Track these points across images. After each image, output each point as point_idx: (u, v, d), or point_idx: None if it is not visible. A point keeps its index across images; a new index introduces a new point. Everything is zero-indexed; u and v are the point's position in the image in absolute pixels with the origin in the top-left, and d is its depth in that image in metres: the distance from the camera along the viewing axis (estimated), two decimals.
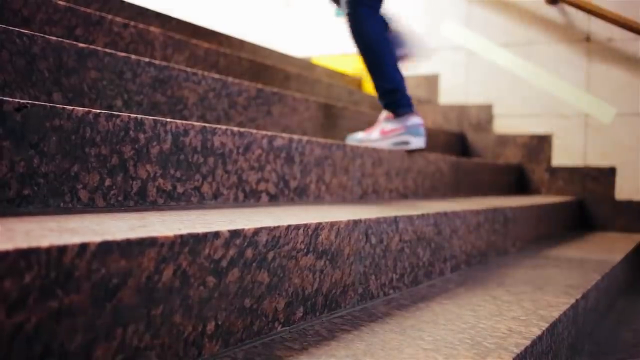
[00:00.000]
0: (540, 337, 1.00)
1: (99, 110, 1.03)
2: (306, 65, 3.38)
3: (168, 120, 1.15)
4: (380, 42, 2.25)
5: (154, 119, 1.12)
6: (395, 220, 1.24)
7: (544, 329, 1.03)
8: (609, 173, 3.14)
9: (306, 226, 0.96)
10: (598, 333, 1.65)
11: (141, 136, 1.09)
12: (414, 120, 2.13)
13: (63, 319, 0.59)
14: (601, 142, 3.20)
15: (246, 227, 0.83)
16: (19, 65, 1.20)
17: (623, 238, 2.74)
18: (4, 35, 1.16)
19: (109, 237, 0.64)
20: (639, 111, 3.10)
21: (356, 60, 4.15)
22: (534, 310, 1.17)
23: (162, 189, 1.13)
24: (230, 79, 1.78)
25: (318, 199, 1.57)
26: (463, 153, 3.58)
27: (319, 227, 0.99)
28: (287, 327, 0.93)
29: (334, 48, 4.31)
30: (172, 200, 1.15)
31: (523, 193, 3.38)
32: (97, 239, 0.62)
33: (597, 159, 3.23)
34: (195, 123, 1.20)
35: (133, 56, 1.47)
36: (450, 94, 3.73)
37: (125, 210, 1.00)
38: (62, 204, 0.96)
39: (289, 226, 0.92)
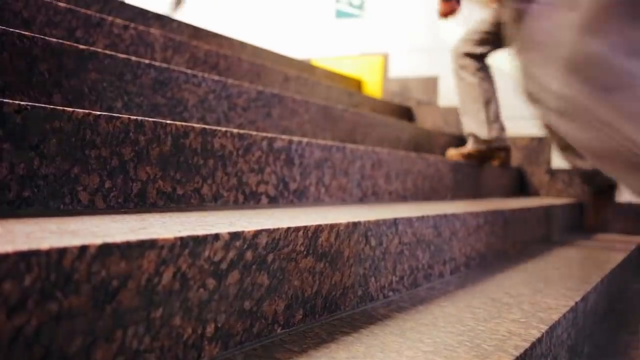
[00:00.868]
0: (539, 340, 1.00)
1: (99, 112, 1.03)
2: (306, 67, 3.38)
3: (168, 122, 1.15)
4: None
5: (154, 121, 1.12)
6: (395, 222, 1.24)
7: (543, 331, 1.03)
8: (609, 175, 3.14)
9: (306, 228, 0.96)
10: (598, 335, 1.65)
11: (141, 138, 1.09)
12: None
13: (63, 321, 0.59)
14: None
15: (246, 229, 0.83)
16: (19, 67, 1.20)
17: (623, 240, 2.74)
18: (5, 37, 1.17)
19: (109, 239, 0.64)
20: None
21: (355, 62, 4.16)
22: (534, 313, 1.17)
23: (162, 191, 1.13)
24: (230, 81, 1.78)
25: (318, 201, 1.57)
26: None
27: (318, 229, 0.99)
28: (287, 330, 0.93)
29: (333, 50, 4.31)
30: (172, 202, 1.15)
31: (523, 195, 3.38)
32: (97, 241, 0.62)
33: None
34: (195, 125, 1.21)
35: (133, 58, 1.47)
36: (450, 96, 3.73)
37: (126, 212, 1.00)
38: (62, 206, 0.96)
39: (288, 228, 0.92)
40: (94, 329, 0.62)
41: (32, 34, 1.23)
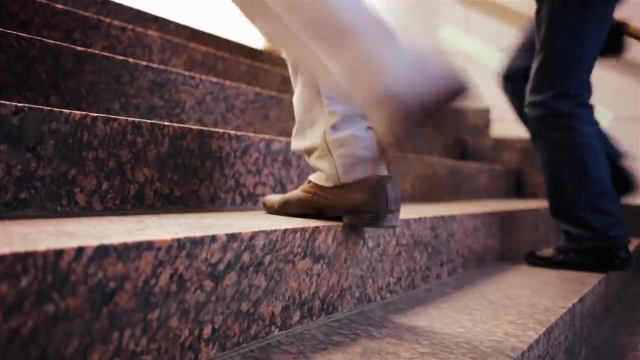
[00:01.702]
0: (537, 341, 1.00)
1: (96, 114, 1.03)
2: None
3: (165, 123, 1.15)
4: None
5: (151, 123, 1.12)
6: None
7: (540, 333, 1.03)
8: None
9: (303, 230, 0.96)
10: (595, 337, 1.65)
11: (139, 139, 1.09)
12: None
13: (59, 323, 0.59)
14: None
15: (243, 231, 0.83)
16: (16, 69, 1.20)
17: None
18: (2, 39, 1.16)
19: (106, 241, 0.64)
20: (636, 115, 3.11)
21: None
22: (531, 314, 1.17)
23: (160, 193, 1.13)
24: (227, 83, 1.78)
25: None
26: (461, 157, 3.59)
27: (316, 230, 0.99)
28: (284, 331, 0.93)
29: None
30: (169, 204, 1.15)
31: (520, 197, 3.38)
32: (94, 242, 0.62)
33: None
34: (193, 126, 1.21)
35: (131, 60, 1.47)
36: None
37: (123, 214, 1.00)
38: (59, 208, 0.96)
39: (286, 230, 0.92)
40: (91, 330, 0.62)
41: (30, 36, 1.23)
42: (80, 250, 0.60)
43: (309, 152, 1.10)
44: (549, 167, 1.81)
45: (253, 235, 0.85)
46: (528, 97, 1.84)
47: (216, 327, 0.79)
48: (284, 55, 1.14)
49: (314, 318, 1.00)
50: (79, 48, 1.33)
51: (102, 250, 0.63)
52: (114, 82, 1.41)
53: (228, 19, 4.65)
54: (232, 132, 1.30)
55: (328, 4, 0.90)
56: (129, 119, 1.08)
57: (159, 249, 0.70)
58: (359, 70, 0.89)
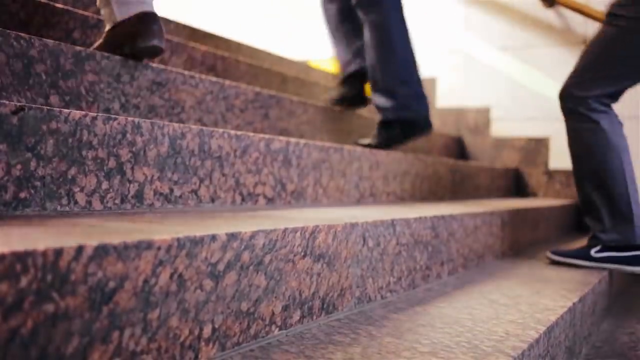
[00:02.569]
0: (537, 340, 1.00)
1: (96, 114, 1.03)
2: (303, 68, 3.39)
3: (165, 123, 1.15)
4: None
5: (151, 122, 1.12)
6: (393, 223, 1.24)
7: (541, 332, 1.03)
8: None
9: (303, 229, 0.96)
10: (595, 336, 1.65)
11: (138, 139, 1.09)
12: None
13: (59, 322, 0.59)
14: None
15: (243, 231, 0.83)
16: (16, 68, 1.20)
17: None
18: (1, 38, 1.16)
19: (106, 241, 0.64)
20: (636, 114, 3.11)
21: None
22: (531, 314, 1.17)
23: (160, 192, 1.13)
24: (227, 82, 1.78)
25: (315, 202, 1.57)
26: (461, 156, 3.58)
27: (316, 230, 0.99)
28: (284, 331, 0.93)
29: (332, 51, 4.31)
30: (169, 204, 1.15)
31: (520, 196, 3.38)
32: (93, 242, 0.62)
33: None
34: (193, 126, 1.20)
35: (130, 59, 1.47)
36: (447, 98, 3.73)
37: (123, 213, 1.00)
38: (59, 207, 0.96)
39: (286, 229, 0.92)
40: (91, 330, 0.62)
41: (29, 35, 1.23)
42: (80, 249, 0.60)
43: (98, 4, 1.50)
44: None
45: (253, 235, 0.85)
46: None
47: (216, 326, 0.79)
48: None
49: (314, 317, 1.00)
50: (78, 47, 1.32)
51: (102, 250, 0.63)
52: (113, 81, 1.41)
53: (227, 19, 4.65)
54: (232, 132, 1.30)
55: None
56: (129, 118, 1.08)
57: (159, 248, 0.70)
58: None
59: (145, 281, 0.68)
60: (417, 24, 3.73)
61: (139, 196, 1.10)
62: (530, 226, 2.27)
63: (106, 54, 1.40)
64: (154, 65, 1.53)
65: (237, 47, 2.85)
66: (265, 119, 1.95)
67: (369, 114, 2.80)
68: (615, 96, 1.87)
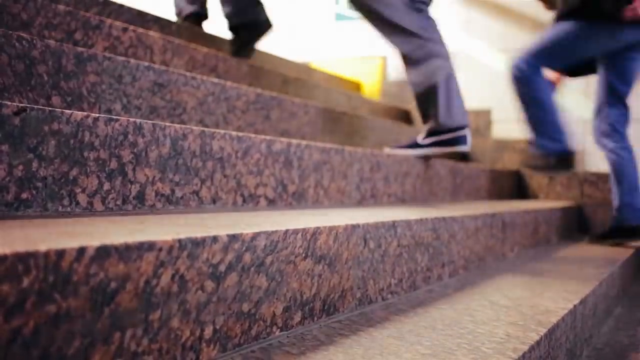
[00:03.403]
0: (538, 343, 1.00)
1: (97, 114, 1.03)
2: (305, 69, 3.39)
3: (167, 124, 1.15)
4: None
5: (152, 123, 1.12)
6: (394, 225, 1.24)
7: (542, 334, 1.03)
8: (608, 178, 3.15)
9: (304, 231, 0.96)
10: (596, 338, 1.65)
11: (140, 140, 1.09)
12: None
13: (61, 323, 0.59)
14: None
15: (244, 232, 0.83)
16: (18, 69, 1.20)
17: (622, 243, 2.74)
18: (4, 39, 1.17)
19: (107, 241, 0.64)
20: (636, 117, 3.11)
21: (354, 64, 4.16)
22: (532, 316, 1.17)
23: (161, 193, 1.13)
24: (229, 84, 1.79)
25: (316, 204, 1.57)
26: (461, 158, 3.58)
27: (317, 231, 0.99)
28: (285, 332, 0.93)
29: (333, 52, 4.32)
30: (170, 205, 1.15)
31: (521, 198, 3.38)
32: (95, 243, 0.62)
33: (595, 164, 3.23)
34: (194, 127, 1.21)
35: (132, 60, 1.47)
36: None
37: (124, 214, 1.00)
38: (60, 208, 0.96)
39: (287, 231, 0.92)
40: (92, 330, 0.62)
41: (31, 36, 1.23)
42: (81, 250, 0.60)
43: None
44: None
45: (254, 236, 0.85)
46: None
47: (217, 327, 0.79)
48: None
49: (315, 319, 1.00)
50: (80, 49, 1.33)
51: (104, 251, 0.63)
52: (115, 82, 1.41)
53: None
54: (234, 133, 1.30)
55: None
56: (131, 119, 1.08)
57: (160, 249, 0.70)
58: None
59: (147, 282, 0.68)
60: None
61: (141, 197, 1.10)
62: (531, 228, 2.27)
63: (108, 55, 1.40)
64: (156, 66, 1.53)
65: None
66: (267, 120, 1.95)
67: (369, 116, 2.80)
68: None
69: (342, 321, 1.04)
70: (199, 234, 0.76)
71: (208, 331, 0.77)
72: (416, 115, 3.86)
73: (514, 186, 3.35)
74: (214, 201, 1.25)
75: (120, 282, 0.65)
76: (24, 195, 0.91)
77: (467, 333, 1.01)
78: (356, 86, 4.03)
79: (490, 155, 3.53)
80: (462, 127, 2.13)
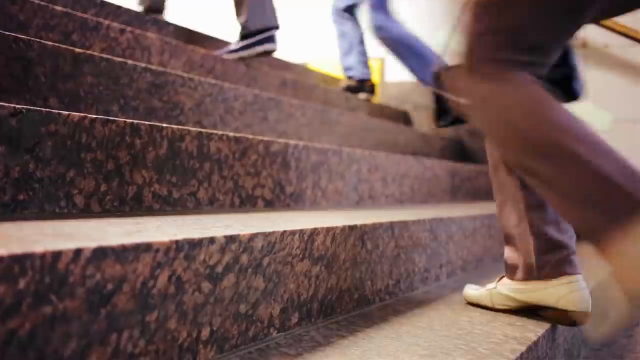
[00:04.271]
0: (535, 343, 1.00)
1: (94, 116, 1.03)
2: (302, 70, 3.39)
3: (164, 125, 1.15)
4: None
5: (150, 124, 1.12)
6: (391, 225, 1.24)
7: (539, 334, 1.03)
8: None
9: (302, 232, 0.96)
10: (594, 339, 1.65)
11: (137, 141, 1.09)
12: None
13: (57, 324, 0.59)
14: None
15: (242, 233, 0.83)
16: (15, 71, 1.20)
17: None
18: (1, 40, 1.16)
19: (104, 243, 0.64)
20: (636, 117, 3.12)
21: None
22: (530, 316, 1.17)
23: (158, 194, 1.13)
24: (226, 85, 1.78)
25: (314, 205, 1.57)
26: (460, 158, 3.58)
27: (314, 232, 0.99)
28: (283, 333, 0.93)
29: (331, 54, 4.32)
30: (168, 206, 1.15)
31: None
32: (92, 244, 0.62)
33: None
34: (192, 128, 1.21)
35: (129, 61, 1.47)
36: None
37: (121, 216, 1.00)
38: (57, 209, 0.96)
39: (284, 232, 0.92)
40: (89, 332, 0.62)
41: (28, 38, 1.23)
42: (78, 251, 0.60)
43: None
44: None
45: (252, 237, 0.85)
46: None
47: (214, 328, 0.79)
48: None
49: (313, 320, 1.00)
50: (77, 50, 1.32)
51: (100, 252, 0.63)
52: (112, 84, 1.41)
53: (226, 21, 4.64)
54: (231, 134, 1.30)
55: None
56: (128, 120, 1.08)
57: (157, 250, 0.70)
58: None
59: (144, 283, 0.68)
60: (416, 25, 3.74)
61: (138, 198, 1.10)
62: None
63: (105, 56, 1.40)
64: (153, 67, 1.53)
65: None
66: (264, 121, 1.95)
67: (368, 117, 2.80)
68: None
69: (340, 322, 1.04)
70: (195, 235, 0.76)
71: (205, 332, 0.77)
72: (415, 115, 3.87)
73: None
74: (211, 202, 1.25)
75: (116, 283, 0.65)
76: (21, 197, 0.91)
77: (465, 334, 1.01)
78: None
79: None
80: (270, 29, 2.33)
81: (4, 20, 1.47)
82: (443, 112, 2.23)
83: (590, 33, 3.23)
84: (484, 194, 2.89)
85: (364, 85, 3.34)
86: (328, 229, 1.02)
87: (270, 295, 0.89)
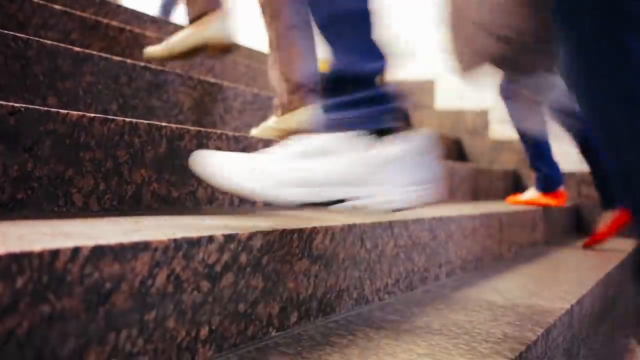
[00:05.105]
0: (535, 343, 1.00)
1: (93, 115, 1.02)
2: None
3: (163, 124, 1.15)
4: None
5: (149, 123, 1.11)
6: (391, 225, 1.24)
7: (539, 334, 1.03)
8: None
9: (301, 231, 0.95)
10: (593, 339, 1.65)
11: (136, 140, 1.09)
12: None
13: (55, 324, 0.58)
14: None
15: (240, 232, 0.83)
16: (13, 69, 1.19)
17: (619, 244, 2.75)
18: (0, 39, 1.16)
19: (102, 242, 0.64)
20: None
21: None
22: (529, 316, 1.17)
23: (157, 194, 1.13)
24: (226, 84, 1.78)
25: None
26: (458, 158, 3.59)
27: (313, 231, 0.99)
28: (282, 332, 0.92)
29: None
30: (166, 205, 1.15)
31: None
32: (90, 243, 0.62)
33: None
34: (191, 127, 1.20)
35: (129, 60, 1.47)
36: (446, 100, 3.73)
37: (120, 215, 0.99)
38: (56, 208, 0.96)
39: (283, 230, 0.91)
40: (87, 331, 0.62)
41: (27, 36, 1.23)
42: (76, 250, 0.60)
43: None
44: None
45: (250, 236, 0.84)
46: None
47: (213, 328, 0.79)
48: None
49: (312, 319, 1.00)
50: (76, 49, 1.32)
51: (99, 251, 0.63)
52: (111, 82, 1.41)
53: None
54: (230, 133, 1.30)
55: None
56: (127, 119, 1.08)
57: (156, 249, 0.69)
58: None
59: (142, 282, 0.68)
60: (416, 25, 3.74)
61: (137, 197, 1.09)
62: (528, 228, 2.27)
63: (104, 55, 1.39)
64: (152, 66, 1.53)
65: (235, 48, 2.85)
66: (264, 120, 1.95)
67: None
68: None
69: (339, 321, 1.04)
70: (194, 234, 0.76)
71: (204, 331, 0.77)
72: (414, 115, 3.87)
73: (512, 186, 3.36)
74: (210, 201, 1.25)
75: (115, 282, 0.65)
76: (19, 196, 0.91)
77: (464, 333, 1.01)
78: None
79: (487, 155, 3.54)
80: None
81: (3, 19, 1.47)
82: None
83: None
84: (482, 193, 2.89)
85: None
86: (327, 228, 1.02)
87: (269, 294, 0.89)
